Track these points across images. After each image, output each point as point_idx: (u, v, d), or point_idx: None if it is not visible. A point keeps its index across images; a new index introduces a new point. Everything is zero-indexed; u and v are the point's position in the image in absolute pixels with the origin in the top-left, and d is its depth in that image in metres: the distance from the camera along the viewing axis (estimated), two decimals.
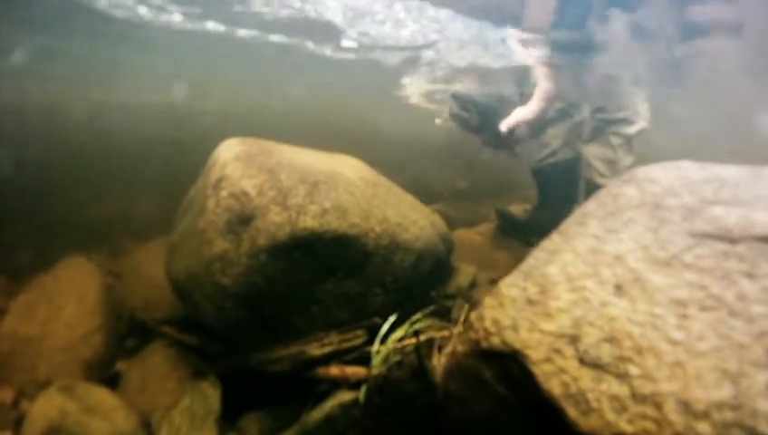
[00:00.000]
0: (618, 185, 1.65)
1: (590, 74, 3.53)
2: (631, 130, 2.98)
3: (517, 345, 1.29)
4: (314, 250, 1.92)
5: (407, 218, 2.14)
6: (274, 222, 1.89)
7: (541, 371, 1.24)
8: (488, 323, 1.38)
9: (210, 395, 1.97)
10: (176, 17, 4.49)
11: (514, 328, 1.33)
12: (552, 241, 1.58)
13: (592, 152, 3.02)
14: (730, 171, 1.55)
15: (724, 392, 1.00)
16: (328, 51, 5.11)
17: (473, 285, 2.31)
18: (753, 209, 1.36)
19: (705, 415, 0.99)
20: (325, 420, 1.74)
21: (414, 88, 6.01)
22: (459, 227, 3.34)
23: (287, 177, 2.04)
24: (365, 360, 1.93)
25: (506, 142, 2.86)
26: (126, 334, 2.57)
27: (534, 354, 1.26)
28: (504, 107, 2.84)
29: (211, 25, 4.76)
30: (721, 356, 1.06)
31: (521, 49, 3.50)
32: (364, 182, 2.22)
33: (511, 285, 1.43)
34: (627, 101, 3.07)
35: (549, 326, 1.30)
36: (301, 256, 1.92)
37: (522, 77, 3.75)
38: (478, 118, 2.85)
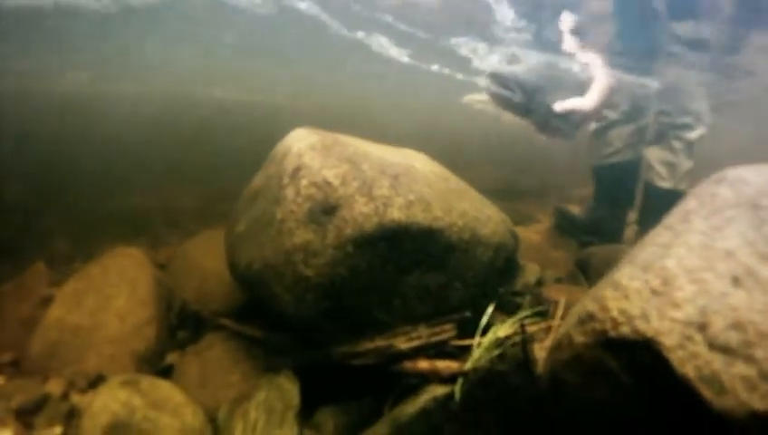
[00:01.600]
0: (712, 185, 1.75)
1: (655, 77, 3.66)
2: (693, 135, 3.10)
3: (650, 334, 1.36)
4: (400, 242, 1.94)
5: (482, 213, 2.19)
6: (362, 212, 1.90)
7: (675, 356, 1.31)
8: (615, 313, 1.44)
9: (288, 390, 1.94)
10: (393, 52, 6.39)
11: (645, 317, 1.40)
12: (661, 235, 1.66)
13: (654, 155, 3.14)
14: None
15: None
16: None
17: (539, 282, 2.37)
18: None
19: None
20: (420, 415, 1.75)
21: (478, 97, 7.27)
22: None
23: (369, 167, 2.05)
24: (447, 354, 1.95)
25: (559, 126, 2.81)
26: (176, 326, 2.50)
27: (668, 341, 1.33)
28: (558, 88, 2.82)
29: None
30: None
31: (570, 38, 3.56)
32: (436, 176, 2.26)
33: (632, 278, 1.49)
34: (690, 105, 3.19)
35: (678, 315, 1.38)
36: (386, 248, 1.93)
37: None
38: (523, 96, 2.73)
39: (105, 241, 2.74)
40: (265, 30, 5.77)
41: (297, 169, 2.07)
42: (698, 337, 1.32)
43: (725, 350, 1.29)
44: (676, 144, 3.11)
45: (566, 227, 3.53)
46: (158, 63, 7.67)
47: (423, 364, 1.87)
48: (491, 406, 1.67)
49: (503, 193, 3.71)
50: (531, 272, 2.36)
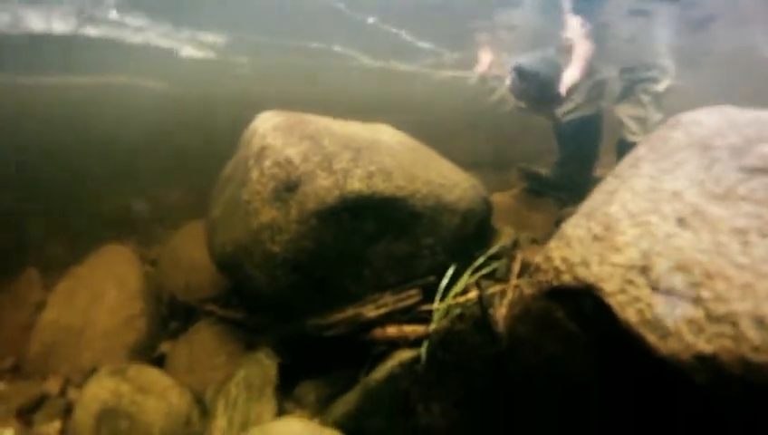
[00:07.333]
0: (666, 130, 1.73)
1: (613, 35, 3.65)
2: (659, 87, 3.10)
3: (590, 280, 1.35)
4: (363, 213, 1.98)
5: (449, 180, 2.21)
6: (323, 186, 1.95)
7: (616, 301, 1.29)
8: (558, 262, 1.44)
9: (267, 365, 2.03)
10: None
11: (585, 264, 1.39)
12: (609, 183, 1.65)
13: (624, 111, 3.16)
14: None
15: None
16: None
17: (515, 245, 2.39)
18: None
19: None
20: (387, 380, 1.80)
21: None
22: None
23: (330, 143, 2.10)
24: (418, 319, 2.00)
25: (552, 106, 2.83)
26: (168, 317, 2.62)
27: (608, 286, 1.31)
28: (559, 73, 2.82)
29: None
30: None
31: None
32: (404, 147, 2.29)
33: (575, 226, 1.49)
34: (653, 59, 3.20)
35: (619, 259, 1.36)
36: (350, 219, 1.98)
37: None
38: (538, 89, 2.77)
39: (98, 243, 2.86)
40: None
41: (261, 150, 2.14)
42: (640, 280, 1.29)
43: (670, 292, 1.25)
44: (644, 98, 3.12)
45: (536, 187, 3.56)
46: None
47: (392, 330, 1.92)
48: (453, 366, 1.72)
49: (488, 164, 3.72)
50: (506, 235, 2.37)
